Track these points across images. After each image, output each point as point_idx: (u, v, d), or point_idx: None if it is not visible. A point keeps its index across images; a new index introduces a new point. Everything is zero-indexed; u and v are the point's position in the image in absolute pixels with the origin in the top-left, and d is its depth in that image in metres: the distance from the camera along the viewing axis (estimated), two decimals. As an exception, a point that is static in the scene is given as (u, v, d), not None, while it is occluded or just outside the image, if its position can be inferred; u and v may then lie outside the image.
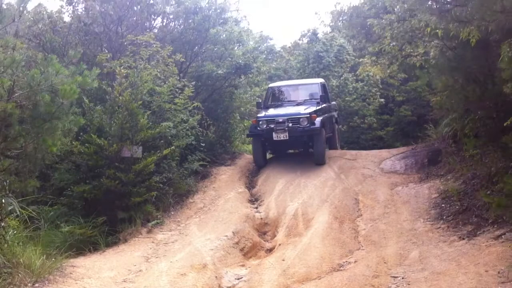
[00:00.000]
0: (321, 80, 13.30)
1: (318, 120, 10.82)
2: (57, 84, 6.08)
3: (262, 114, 11.43)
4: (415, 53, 13.29)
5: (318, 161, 10.84)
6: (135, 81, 9.39)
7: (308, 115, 10.78)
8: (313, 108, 11.14)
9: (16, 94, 6.05)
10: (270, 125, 10.85)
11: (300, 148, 12.03)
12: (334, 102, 14.08)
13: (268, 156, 12.20)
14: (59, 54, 9.27)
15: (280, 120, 10.82)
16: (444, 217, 7.48)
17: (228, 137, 12.85)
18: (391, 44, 12.50)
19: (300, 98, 12.17)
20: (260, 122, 11.03)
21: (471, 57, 7.81)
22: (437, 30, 7.74)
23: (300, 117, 10.78)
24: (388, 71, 16.04)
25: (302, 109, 11.13)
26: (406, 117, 17.65)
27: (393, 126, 17.79)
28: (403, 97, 18.23)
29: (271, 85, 13.21)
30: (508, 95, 6.52)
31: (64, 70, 6.26)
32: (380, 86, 18.26)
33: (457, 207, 7.56)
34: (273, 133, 10.74)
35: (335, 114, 13.39)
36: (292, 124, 10.73)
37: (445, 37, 7.90)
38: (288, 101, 12.24)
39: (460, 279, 5.29)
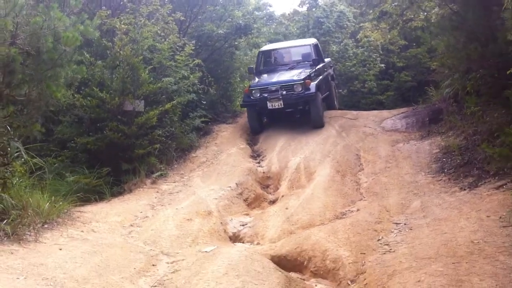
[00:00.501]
0: (313, 40, 12.81)
1: (312, 84, 10.42)
2: (59, 28, 6.02)
3: (256, 81, 11.01)
4: (416, 18, 13.18)
5: (315, 125, 10.52)
6: (136, 37, 9.37)
7: (302, 81, 10.33)
8: (307, 72, 10.70)
9: (19, 38, 5.98)
10: (263, 94, 10.43)
11: (297, 115, 11.24)
12: (328, 59, 13.54)
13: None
14: (60, 5, 9.14)
15: (273, 89, 10.38)
16: (445, 170, 7.53)
17: (229, 96, 12.83)
18: (393, 5, 12.38)
19: (293, 60, 11.73)
20: (253, 91, 10.57)
21: (472, 18, 7.78)
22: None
23: (294, 84, 10.34)
24: (389, 36, 15.92)
25: (296, 75, 10.69)
26: (406, 82, 17.51)
27: (393, 91, 17.67)
28: (403, 63, 18.08)
29: (262, 48, 12.72)
30: (510, 53, 6.52)
31: (65, 19, 6.19)
32: (381, 52, 18.11)
33: (458, 161, 7.59)
34: (267, 102, 10.33)
35: (330, 71, 12.89)
36: (286, 92, 10.30)
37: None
38: (281, 64, 11.74)
39: (461, 224, 5.35)
